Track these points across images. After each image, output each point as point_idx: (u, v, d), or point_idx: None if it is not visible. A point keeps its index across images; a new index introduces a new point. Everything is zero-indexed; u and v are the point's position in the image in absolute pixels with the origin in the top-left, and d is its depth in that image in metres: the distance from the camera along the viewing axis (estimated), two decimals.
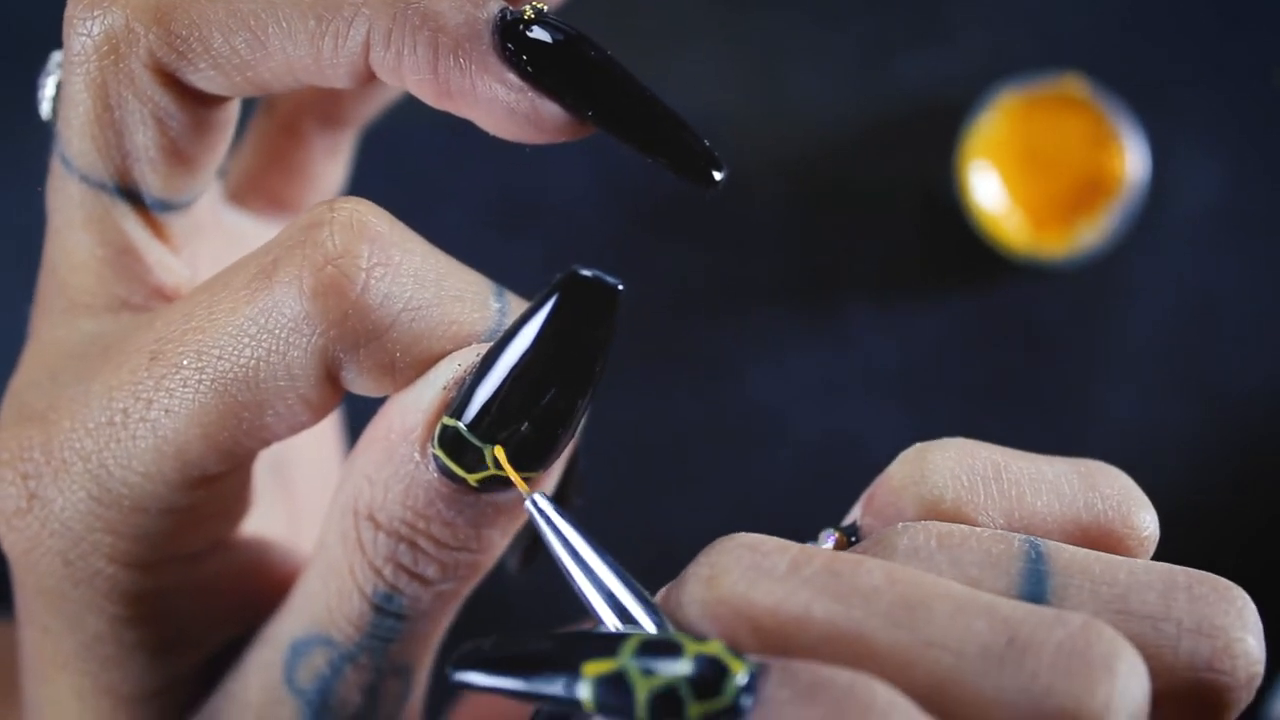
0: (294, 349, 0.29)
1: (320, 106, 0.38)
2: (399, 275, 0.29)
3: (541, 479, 0.30)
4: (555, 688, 0.26)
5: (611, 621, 0.27)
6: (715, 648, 0.26)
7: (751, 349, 0.67)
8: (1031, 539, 0.28)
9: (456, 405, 0.29)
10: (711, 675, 0.25)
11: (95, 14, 0.30)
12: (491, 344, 0.29)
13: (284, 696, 0.32)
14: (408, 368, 0.29)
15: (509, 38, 0.29)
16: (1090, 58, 0.67)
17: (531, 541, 0.34)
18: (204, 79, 0.30)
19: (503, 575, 0.34)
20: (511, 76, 0.29)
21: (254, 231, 0.38)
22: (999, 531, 0.28)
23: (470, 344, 0.29)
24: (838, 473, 0.65)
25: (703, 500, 0.66)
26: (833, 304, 0.67)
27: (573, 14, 0.34)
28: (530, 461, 0.29)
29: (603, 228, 0.66)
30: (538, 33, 0.29)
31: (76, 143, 0.31)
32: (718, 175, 0.29)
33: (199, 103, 0.31)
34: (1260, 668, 0.28)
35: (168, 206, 0.32)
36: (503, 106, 0.29)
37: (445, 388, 0.29)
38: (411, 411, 0.29)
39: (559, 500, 0.33)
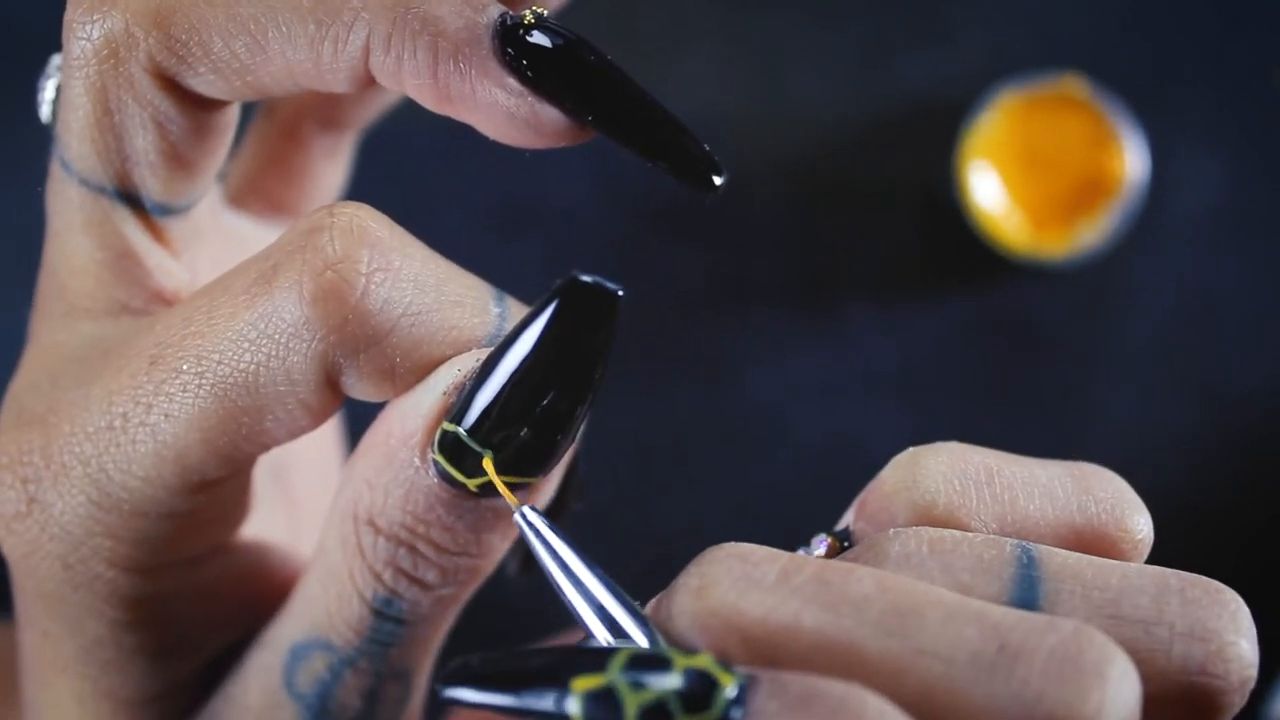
0: (294, 354, 0.29)
1: (320, 110, 0.38)
2: (399, 280, 0.29)
3: (541, 484, 0.30)
4: (545, 703, 0.26)
5: (601, 634, 0.27)
6: (704, 661, 0.26)
7: (751, 349, 0.67)
8: (1024, 544, 0.28)
9: (456, 410, 0.29)
10: (700, 688, 0.25)
11: (95, 18, 0.30)
12: (491, 349, 0.29)
13: (283, 700, 0.32)
14: (408, 373, 0.29)
15: (509, 42, 0.29)
16: (1090, 58, 0.67)
17: None
18: (204, 83, 0.30)
19: (503, 579, 0.34)
20: (511, 81, 0.29)
21: (254, 235, 0.38)
22: (991, 537, 0.28)
23: (470, 349, 0.29)
24: (837, 473, 0.65)
25: (703, 501, 0.66)
26: (833, 304, 0.67)
27: (572, 16, 0.34)
28: (530, 467, 0.29)
29: (603, 231, 0.66)
30: (537, 37, 0.29)
31: (76, 146, 0.31)
32: (718, 180, 0.29)
33: (199, 107, 0.31)
34: (1253, 672, 0.27)
35: (168, 210, 0.32)
36: (503, 111, 0.29)
37: (445, 393, 0.29)
38: (411, 416, 0.29)
39: (559, 504, 0.33)
